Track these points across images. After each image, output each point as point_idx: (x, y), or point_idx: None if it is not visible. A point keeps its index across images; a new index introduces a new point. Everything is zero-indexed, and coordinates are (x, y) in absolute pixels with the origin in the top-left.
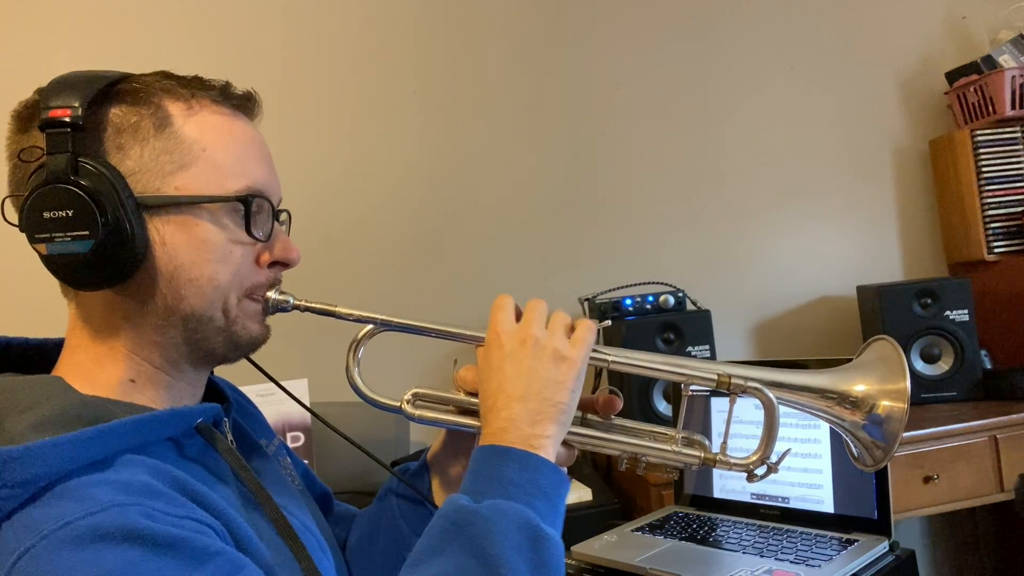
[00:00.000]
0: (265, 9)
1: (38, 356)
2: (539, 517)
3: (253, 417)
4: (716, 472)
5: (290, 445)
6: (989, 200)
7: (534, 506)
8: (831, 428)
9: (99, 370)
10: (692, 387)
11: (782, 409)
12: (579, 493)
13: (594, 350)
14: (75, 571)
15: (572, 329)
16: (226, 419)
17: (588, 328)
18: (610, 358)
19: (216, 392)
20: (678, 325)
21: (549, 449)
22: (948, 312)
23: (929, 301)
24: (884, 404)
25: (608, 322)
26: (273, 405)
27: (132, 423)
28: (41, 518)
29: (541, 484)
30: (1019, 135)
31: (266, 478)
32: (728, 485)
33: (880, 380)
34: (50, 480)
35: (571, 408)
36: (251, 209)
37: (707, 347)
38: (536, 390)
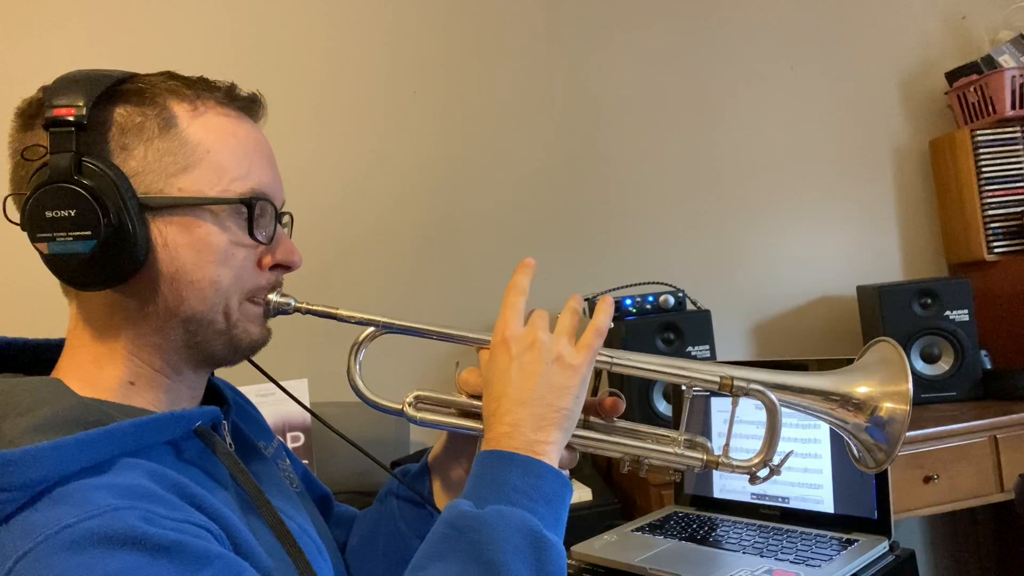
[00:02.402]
0: (267, 11)
1: (38, 356)
2: (541, 523)
3: (252, 419)
4: (717, 472)
5: (290, 445)
6: (989, 200)
7: (536, 512)
8: (832, 429)
9: (99, 371)
10: (694, 389)
11: (783, 410)
12: (579, 493)
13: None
14: (73, 575)
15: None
16: (225, 422)
17: (594, 334)
18: (613, 360)
19: (215, 394)
20: (678, 325)
21: (552, 455)
22: (948, 312)
23: (929, 301)
24: (886, 406)
25: (611, 324)
26: (273, 405)
27: (131, 426)
28: (39, 522)
29: (544, 490)
30: (1019, 135)
31: (264, 481)
32: (728, 485)
33: (882, 382)
34: (48, 484)
35: (575, 414)
36: (254, 212)
37: (707, 347)
38: (540, 395)
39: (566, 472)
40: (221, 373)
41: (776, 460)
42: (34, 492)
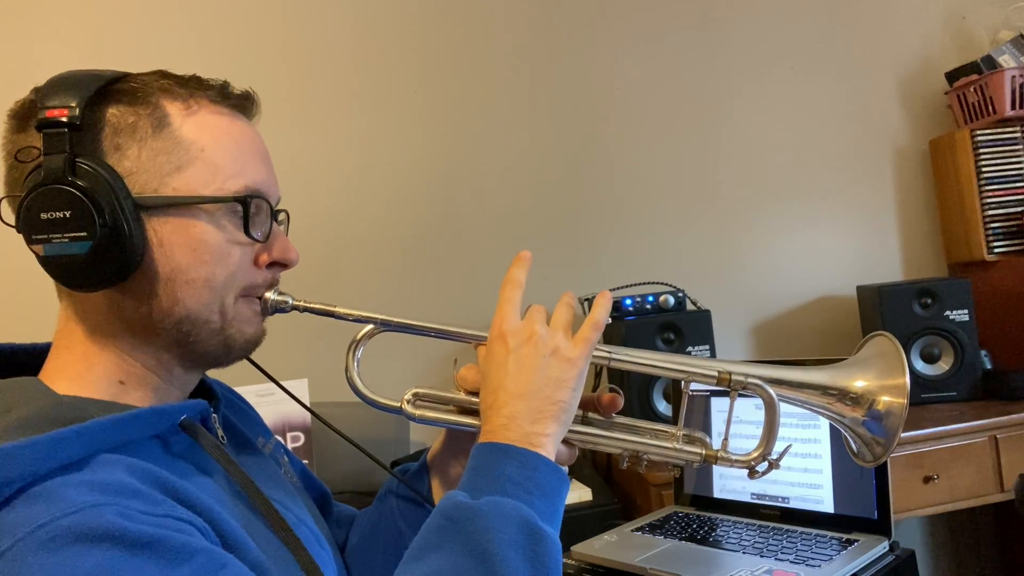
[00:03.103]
0: (264, 9)
1: (23, 361)
2: (537, 515)
3: (247, 415)
4: (716, 472)
5: (289, 446)
6: (989, 200)
7: (532, 504)
8: (831, 427)
9: (88, 371)
10: (692, 385)
11: (782, 407)
12: (579, 493)
13: (596, 348)
14: (51, 573)
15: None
16: (215, 415)
17: (591, 327)
18: (611, 356)
19: (204, 391)
20: (678, 325)
21: (549, 448)
22: (948, 312)
23: (929, 301)
24: (884, 400)
25: (608, 320)
26: (272, 405)
27: (109, 423)
28: (15, 521)
29: (540, 482)
30: (1019, 135)
31: (258, 473)
32: (728, 485)
33: (879, 376)
34: (24, 482)
35: (572, 407)
36: (250, 210)
37: (707, 347)
38: (538, 388)
39: (565, 468)
40: (223, 373)
41: (775, 454)
42: (11, 491)
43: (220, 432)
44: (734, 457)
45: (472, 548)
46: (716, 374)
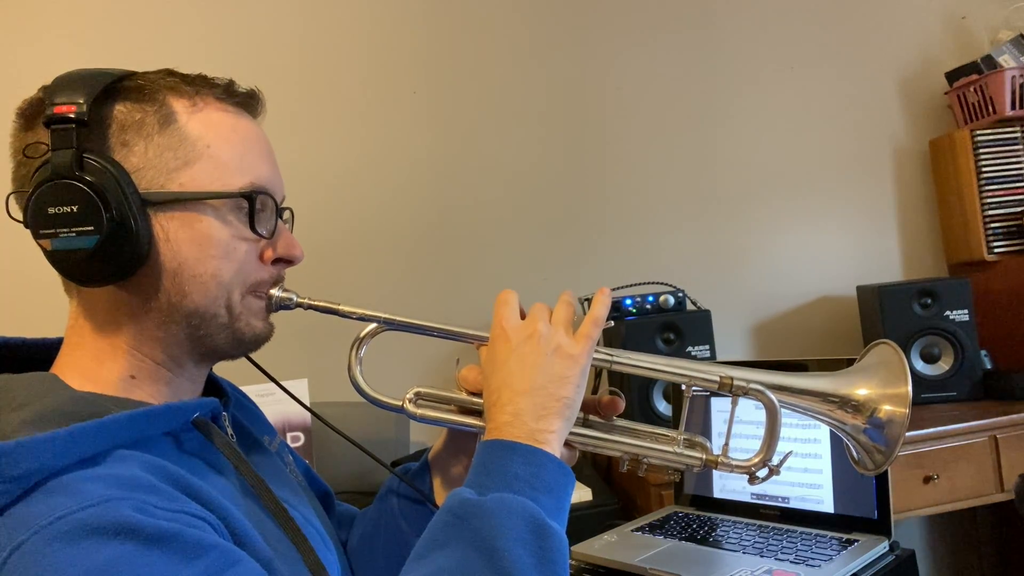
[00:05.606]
0: (267, 9)
1: (35, 356)
2: (544, 511)
3: (254, 415)
4: (716, 472)
5: (290, 445)
6: (989, 200)
7: (539, 500)
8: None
9: (99, 367)
10: (693, 388)
11: (783, 410)
12: (579, 493)
13: (596, 350)
14: (67, 566)
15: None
16: (225, 414)
17: (592, 324)
18: (612, 359)
19: (215, 388)
20: (678, 325)
21: (554, 444)
22: (948, 312)
23: (929, 301)
24: (885, 408)
25: (611, 322)
26: (272, 405)
27: (126, 418)
28: (33, 513)
29: (546, 479)
30: (1019, 135)
31: (267, 472)
32: (728, 485)
33: (882, 384)
34: (42, 476)
35: (575, 404)
36: (255, 206)
37: (707, 347)
38: (541, 385)
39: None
40: (224, 372)
41: (775, 460)
42: (29, 484)
43: (230, 430)
44: (734, 462)
45: (479, 545)
46: (718, 379)
